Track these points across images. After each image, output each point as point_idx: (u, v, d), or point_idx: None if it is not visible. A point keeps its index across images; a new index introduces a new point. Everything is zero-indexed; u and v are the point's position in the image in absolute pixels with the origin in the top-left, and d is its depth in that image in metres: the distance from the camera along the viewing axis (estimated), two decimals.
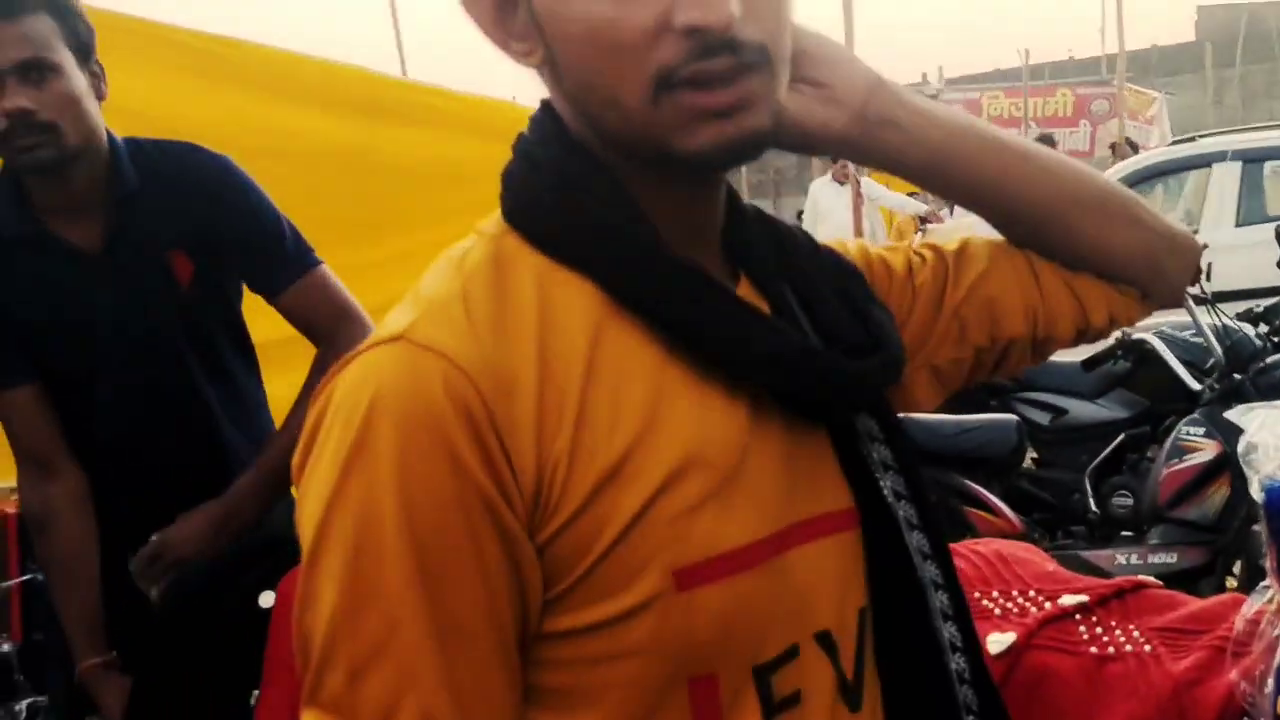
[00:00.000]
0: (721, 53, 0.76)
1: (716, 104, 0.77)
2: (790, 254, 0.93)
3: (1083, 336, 1.05)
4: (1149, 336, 4.32)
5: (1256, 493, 1.18)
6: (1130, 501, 4.02)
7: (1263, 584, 1.30)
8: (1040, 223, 1.01)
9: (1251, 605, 1.34)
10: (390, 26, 9.09)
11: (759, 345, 0.82)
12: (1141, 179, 7.94)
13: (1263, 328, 4.24)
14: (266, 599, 1.71)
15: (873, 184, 8.23)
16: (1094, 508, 4.14)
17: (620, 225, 0.82)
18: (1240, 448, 1.22)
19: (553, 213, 0.83)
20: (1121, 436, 4.29)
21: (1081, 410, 4.65)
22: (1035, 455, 4.74)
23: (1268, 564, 1.22)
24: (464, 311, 0.77)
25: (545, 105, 0.88)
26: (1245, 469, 1.20)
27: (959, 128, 0.98)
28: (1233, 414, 1.30)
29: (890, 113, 0.94)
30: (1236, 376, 3.78)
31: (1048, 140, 12.38)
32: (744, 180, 21.10)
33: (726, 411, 0.82)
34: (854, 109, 0.93)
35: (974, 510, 4.05)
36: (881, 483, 0.89)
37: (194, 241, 1.92)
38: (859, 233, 7.07)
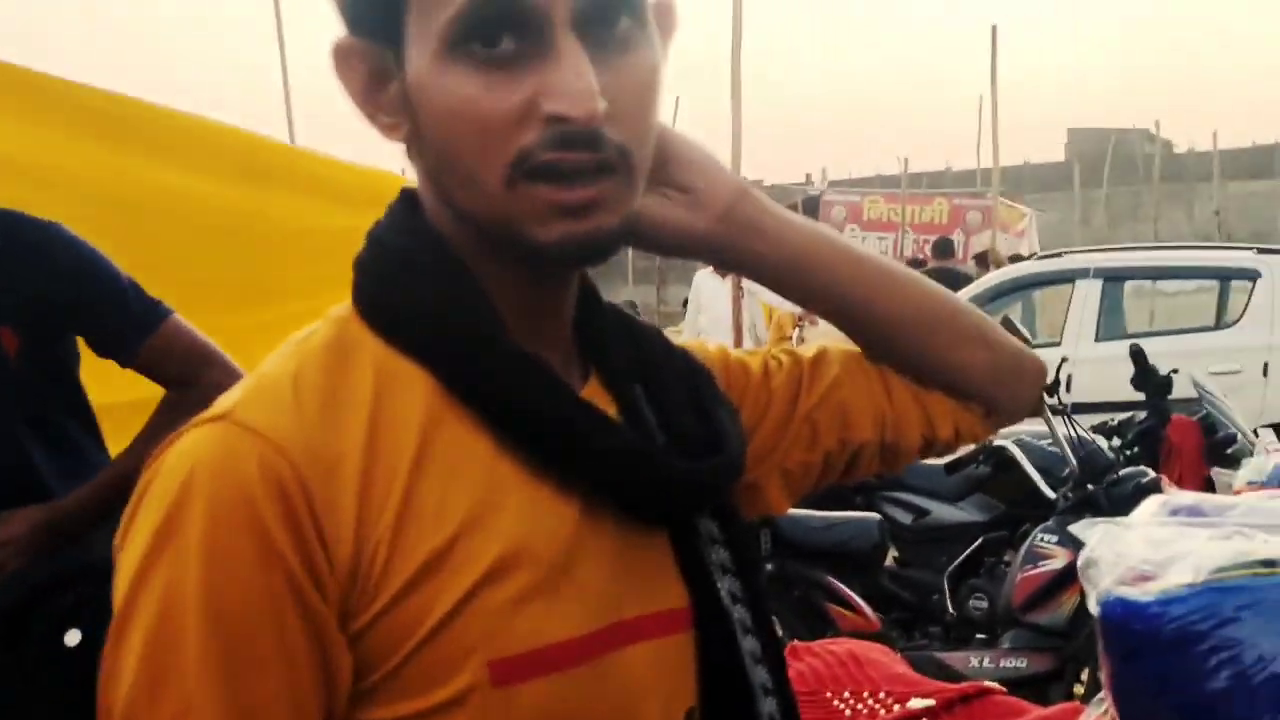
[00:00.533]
0: (581, 146, 0.78)
1: (569, 200, 0.79)
2: (644, 352, 0.95)
3: (930, 448, 1.08)
4: (1009, 444, 4.47)
5: (1093, 607, 1.22)
6: (986, 604, 4.12)
7: (1099, 696, 1.34)
8: (893, 337, 1.04)
9: (1089, 716, 1.38)
10: (281, 95, 9.00)
11: (589, 444, 0.83)
12: (1009, 290, 8.25)
13: (1116, 441, 4.43)
14: (72, 637, 1.68)
15: (751, 282, 8.34)
16: (951, 609, 4.23)
17: (459, 317, 0.82)
18: (1079, 562, 1.27)
19: (394, 301, 0.83)
20: (980, 540, 4.41)
21: (943, 512, 4.78)
22: (897, 554, 4.84)
23: (1103, 677, 1.26)
24: (293, 392, 0.78)
25: (404, 193, 0.89)
26: (1084, 584, 1.24)
27: (819, 239, 1.01)
28: (1076, 528, 1.35)
29: (753, 219, 0.97)
30: (1090, 487, 3.92)
31: (946, 245, 12.73)
32: (630, 265, 21.33)
33: (558, 507, 0.82)
34: (718, 213, 0.95)
35: (835, 606, 4.11)
36: (719, 585, 0.90)
37: (20, 313, 1.87)
38: (738, 324, 7.18)
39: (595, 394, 0.89)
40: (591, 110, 0.76)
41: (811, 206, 17.69)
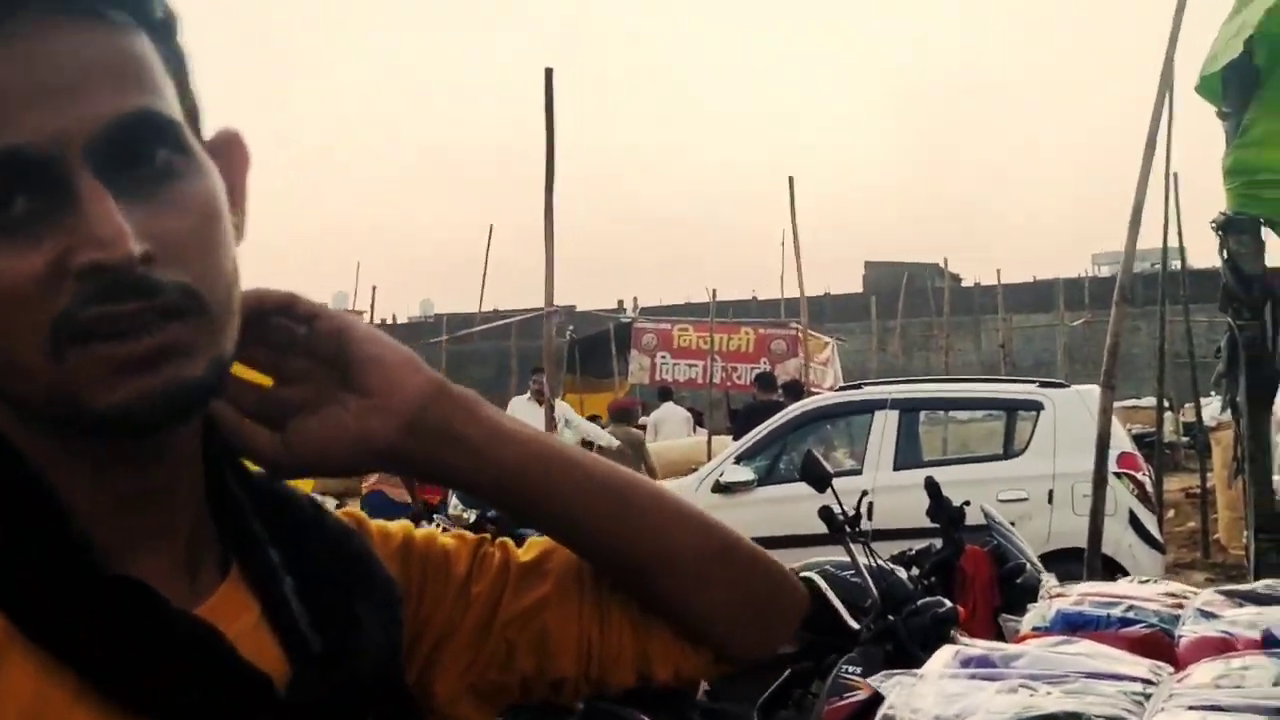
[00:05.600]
0: (129, 295, 0.67)
1: (133, 353, 0.68)
2: (296, 537, 0.83)
3: (647, 684, 0.96)
4: (814, 575, 4.55)
5: None
6: None
7: None
8: (622, 570, 0.93)
9: None
10: None
11: (186, 687, 0.70)
12: (812, 419, 8.55)
13: (915, 570, 4.57)
14: None
15: (567, 408, 8.45)
16: None
17: (19, 540, 0.69)
18: (877, 718, 1.31)
19: None
20: (788, 671, 4.45)
21: None
22: (708, 688, 4.84)
23: None
24: None
25: None
26: None
27: (541, 453, 0.88)
28: (874, 680, 1.39)
29: (449, 428, 0.84)
30: (890, 618, 4.02)
31: (768, 379, 12.91)
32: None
33: None
34: (405, 419, 0.82)
35: None
36: None
37: None
38: None
39: (232, 594, 0.79)
40: (126, 252, 0.66)
41: (623, 333, 17.97)
